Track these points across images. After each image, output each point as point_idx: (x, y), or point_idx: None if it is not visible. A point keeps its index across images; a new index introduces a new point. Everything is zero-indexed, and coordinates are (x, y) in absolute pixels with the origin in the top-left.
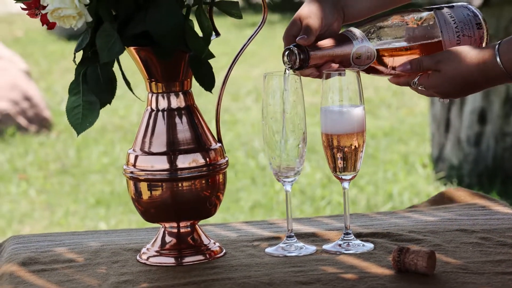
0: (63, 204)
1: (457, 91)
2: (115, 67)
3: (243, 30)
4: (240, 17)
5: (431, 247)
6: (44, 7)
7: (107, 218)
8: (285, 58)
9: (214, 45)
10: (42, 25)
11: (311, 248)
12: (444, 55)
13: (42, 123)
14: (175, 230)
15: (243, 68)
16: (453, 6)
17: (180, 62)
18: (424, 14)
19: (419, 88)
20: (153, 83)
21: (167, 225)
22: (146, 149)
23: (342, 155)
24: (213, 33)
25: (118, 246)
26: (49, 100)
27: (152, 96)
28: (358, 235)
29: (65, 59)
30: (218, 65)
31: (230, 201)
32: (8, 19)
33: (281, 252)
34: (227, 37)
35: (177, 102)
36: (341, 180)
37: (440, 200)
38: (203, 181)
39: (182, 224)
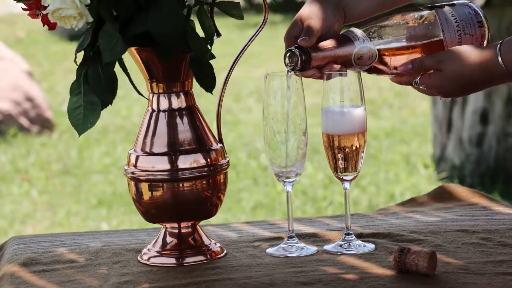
0: (65, 205)
1: (458, 90)
2: (117, 68)
3: (245, 30)
4: (241, 17)
5: (432, 247)
6: (45, 8)
7: (109, 219)
8: (287, 60)
9: (216, 46)
10: (43, 25)
11: (312, 249)
12: (445, 54)
13: (44, 124)
14: (176, 231)
15: (245, 69)
16: (454, 4)
17: (181, 63)
18: (425, 12)
19: (421, 87)
20: (154, 83)
21: (168, 225)
22: (147, 149)
23: (343, 155)
24: (214, 33)
25: (119, 246)
26: (51, 101)
27: (153, 96)
28: (359, 236)
29: (67, 60)
30: (220, 66)
31: (232, 202)
32: (10, 20)
33: (282, 253)
34: (229, 38)
35: (178, 102)
36: (342, 180)
37: (440, 194)
38: (204, 182)
39: (183, 224)
